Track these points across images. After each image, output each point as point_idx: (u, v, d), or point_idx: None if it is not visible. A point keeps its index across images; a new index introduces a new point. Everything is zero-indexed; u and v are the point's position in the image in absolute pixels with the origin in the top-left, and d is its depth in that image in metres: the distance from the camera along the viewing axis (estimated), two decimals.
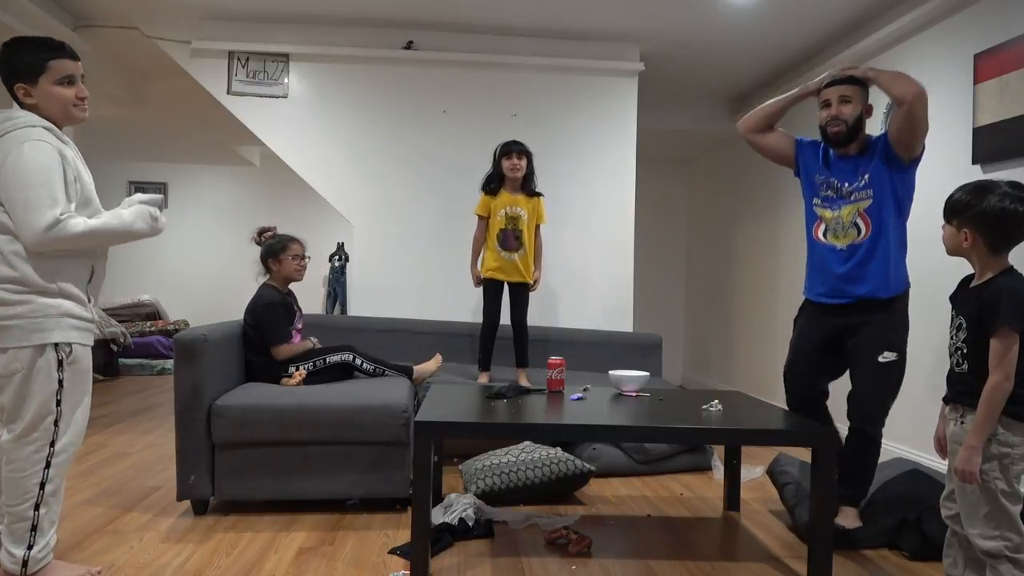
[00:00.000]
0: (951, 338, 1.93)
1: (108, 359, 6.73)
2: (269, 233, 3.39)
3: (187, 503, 2.91)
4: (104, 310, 6.98)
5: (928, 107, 2.45)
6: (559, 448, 3.26)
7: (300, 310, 3.40)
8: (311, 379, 3.18)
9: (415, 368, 3.48)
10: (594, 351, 4.36)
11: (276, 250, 3.31)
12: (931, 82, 3.64)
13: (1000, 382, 1.76)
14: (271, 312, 3.20)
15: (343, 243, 8.38)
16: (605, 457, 3.52)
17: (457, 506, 2.78)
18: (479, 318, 4.37)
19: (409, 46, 4.50)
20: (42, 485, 2.04)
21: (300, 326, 3.35)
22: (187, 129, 6.27)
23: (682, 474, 3.64)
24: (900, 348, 2.58)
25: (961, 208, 1.86)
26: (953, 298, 1.99)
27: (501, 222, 3.79)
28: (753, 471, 3.60)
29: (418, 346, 4.23)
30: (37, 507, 2.04)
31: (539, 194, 3.89)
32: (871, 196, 2.58)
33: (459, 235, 4.59)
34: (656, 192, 7.03)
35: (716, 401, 2.61)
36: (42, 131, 2.03)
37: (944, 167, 3.51)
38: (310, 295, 8.12)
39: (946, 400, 1.97)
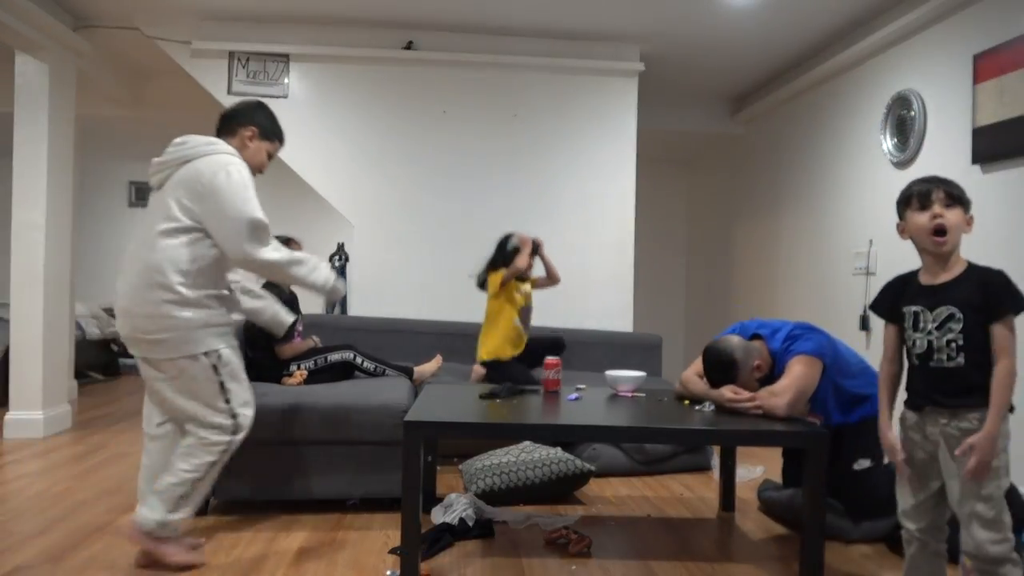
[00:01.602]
0: (928, 335, 1.82)
1: (109, 359, 6.74)
2: None
3: None
4: (104, 310, 6.98)
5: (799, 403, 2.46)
6: (559, 448, 3.26)
7: (300, 312, 3.41)
8: (312, 378, 3.18)
9: (415, 369, 3.48)
10: (594, 351, 4.36)
11: None
12: (931, 82, 3.65)
13: (1013, 366, 1.72)
14: None
15: (343, 243, 8.37)
16: (605, 457, 3.52)
17: (457, 506, 2.78)
18: (479, 318, 4.37)
19: (409, 46, 4.50)
20: (212, 465, 2.31)
21: (300, 328, 3.35)
22: (187, 129, 6.24)
23: (682, 474, 3.64)
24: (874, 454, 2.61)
25: (965, 196, 1.85)
26: (889, 301, 1.93)
27: (522, 300, 3.82)
28: (753, 471, 3.60)
29: (418, 346, 4.23)
30: (198, 481, 2.29)
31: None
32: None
33: (459, 235, 4.60)
34: (656, 192, 7.03)
35: (708, 403, 2.60)
36: (243, 162, 2.34)
37: (944, 167, 3.51)
38: (310, 295, 8.11)
39: (918, 406, 1.86)
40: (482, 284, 3.88)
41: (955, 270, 1.84)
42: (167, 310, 2.19)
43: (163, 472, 2.30)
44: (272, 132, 2.52)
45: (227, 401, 2.30)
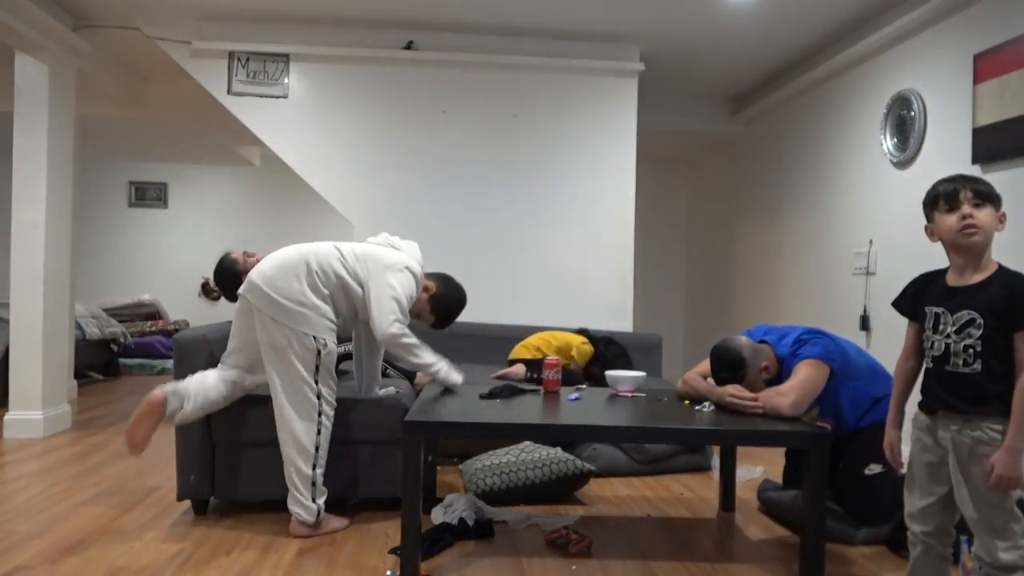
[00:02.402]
0: (946, 338, 1.78)
1: (108, 359, 6.74)
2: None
3: (187, 503, 2.91)
4: (104, 310, 6.99)
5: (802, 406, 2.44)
6: (559, 448, 3.26)
7: None
8: None
9: (418, 373, 3.48)
10: None
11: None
12: (931, 82, 3.65)
13: None
14: None
15: None
16: (605, 457, 3.52)
17: (457, 506, 2.78)
18: (478, 318, 4.40)
19: (409, 46, 4.50)
20: (317, 448, 2.63)
21: None
22: (187, 129, 6.26)
23: (682, 474, 3.64)
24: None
25: (994, 192, 1.78)
26: (911, 299, 1.89)
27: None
28: (753, 471, 3.60)
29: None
30: (314, 468, 2.62)
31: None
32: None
33: (459, 235, 4.59)
34: (656, 192, 7.02)
35: (708, 403, 2.60)
36: (416, 285, 2.82)
37: (944, 168, 3.51)
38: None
39: (931, 409, 1.83)
40: (586, 341, 3.89)
41: (984, 272, 1.76)
42: (301, 288, 2.62)
43: (288, 469, 2.64)
44: (443, 311, 2.98)
45: (316, 383, 2.63)
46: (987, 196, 1.78)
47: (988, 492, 1.69)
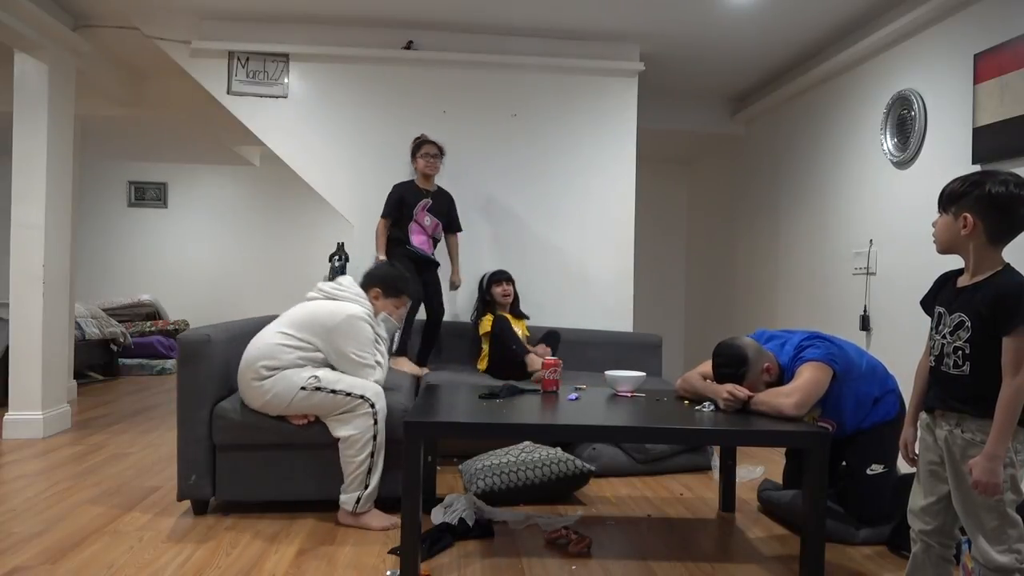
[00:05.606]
0: (943, 338, 1.79)
1: (108, 359, 6.74)
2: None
3: (187, 503, 2.91)
4: (104, 310, 6.98)
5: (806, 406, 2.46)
6: (559, 448, 3.26)
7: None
8: None
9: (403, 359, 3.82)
10: (594, 351, 4.36)
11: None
12: (931, 82, 3.65)
13: (1021, 385, 1.64)
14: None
15: (343, 243, 8.36)
16: (605, 457, 3.52)
17: (457, 506, 2.78)
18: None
19: (409, 46, 4.50)
20: (374, 437, 2.76)
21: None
22: (187, 129, 6.26)
23: (682, 474, 3.64)
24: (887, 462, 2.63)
25: (960, 195, 1.75)
26: (931, 297, 1.89)
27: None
28: (753, 471, 3.60)
29: (417, 346, 4.22)
30: (372, 455, 2.76)
31: (526, 317, 4.32)
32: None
33: (458, 234, 4.59)
34: (656, 192, 7.02)
35: (708, 403, 2.61)
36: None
37: (944, 167, 3.51)
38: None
39: (929, 407, 1.84)
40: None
41: (984, 274, 1.74)
42: (260, 383, 2.82)
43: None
44: (393, 294, 3.08)
45: (348, 395, 2.76)
46: (944, 202, 1.80)
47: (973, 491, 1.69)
